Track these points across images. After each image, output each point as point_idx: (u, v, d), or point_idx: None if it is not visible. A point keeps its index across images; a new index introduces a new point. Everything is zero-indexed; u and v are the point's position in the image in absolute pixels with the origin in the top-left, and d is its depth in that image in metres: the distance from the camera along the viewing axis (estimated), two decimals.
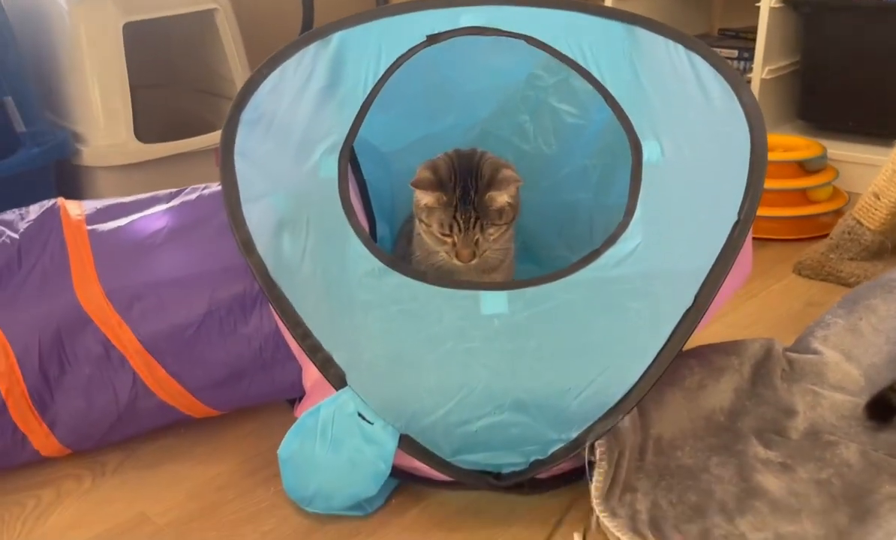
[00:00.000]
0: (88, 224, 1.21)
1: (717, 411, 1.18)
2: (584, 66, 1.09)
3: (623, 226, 1.04)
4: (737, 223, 1.04)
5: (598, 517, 1.01)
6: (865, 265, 1.69)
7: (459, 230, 1.13)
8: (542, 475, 1.07)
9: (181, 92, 2.19)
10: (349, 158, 1.10)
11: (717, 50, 2.47)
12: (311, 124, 1.10)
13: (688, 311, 1.02)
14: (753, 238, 1.82)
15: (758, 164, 1.06)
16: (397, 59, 1.10)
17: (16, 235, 1.18)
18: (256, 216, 1.08)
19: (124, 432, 1.21)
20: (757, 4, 2.16)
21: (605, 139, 1.36)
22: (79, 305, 1.14)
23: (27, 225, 1.19)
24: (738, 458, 1.11)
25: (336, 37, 1.12)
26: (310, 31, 1.17)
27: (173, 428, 1.25)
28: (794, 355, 1.27)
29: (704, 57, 1.09)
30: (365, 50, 1.11)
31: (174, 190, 1.29)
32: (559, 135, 1.46)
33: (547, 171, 1.47)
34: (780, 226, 1.91)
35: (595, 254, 1.04)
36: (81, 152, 1.83)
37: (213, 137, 1.89)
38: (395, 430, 1.03)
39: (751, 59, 2.24)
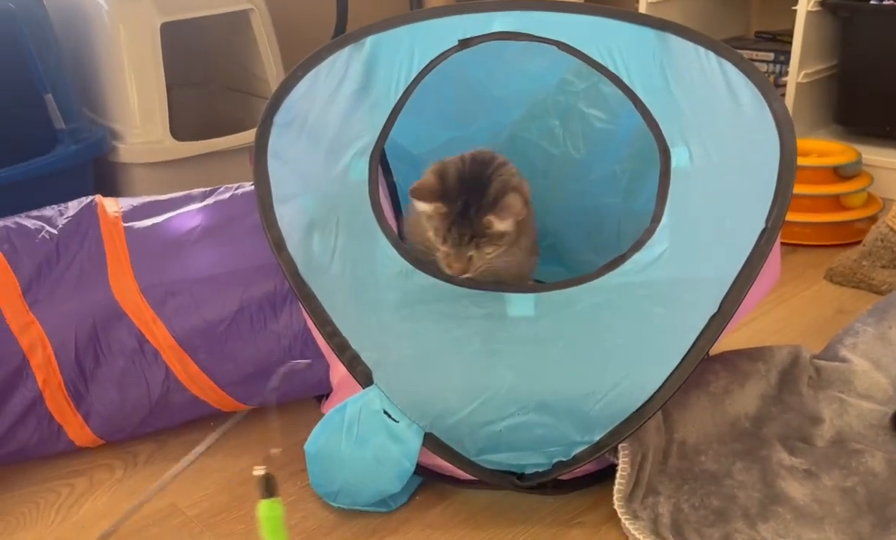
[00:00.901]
0: (125, 221, 1.23)
1: (743, 417, 1.18)
2: (613, 71, 1.09)
3: (650, 232, 1.04)
4: (764, 231, 1.03)
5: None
6: None
7: (453, 245, 1.08)
8: (565, 476, 1.07)
9: (216, 91, 2.22)
10: (379, 160, 1.11)
11: (754, 53, 2.47)
12: (343, 127, 1.11)
13: (713, 317, 1.02)
14: (784, 243, 1.84)
15: (787, 171, 1.05)
16: (429, 63, 1.11)
17: (55, 231, 1.21)
18: (288, 216, 1.09)
19: (156, 425, 1.23)
20: (794, 8, 2.15)
21: (635, 145, 1.36)
22: (114, 301, 1.17)
23: (66, 221, 1.22)
24: (762, 464, 1.11)
25: (369, 40, 1.13)
26: (343, 34, 1.18)
27: (203, 422, 1.28)
28: (821, 363, 1.26)
29: (735, 63, 1.08)
30: (397, 54, 1.12)
31: (208, 189, 1.31)
32: (588, 140, 1.46)
33: (576, 175, 1.47)
34: (813, 231, 1.89)
35: (621, 258, 1.04)
36: (118, 149, 1.86)
37: (247, 136, 1.91)
38: (420, 428, 1.04)
39: (787, 62, 2.22)
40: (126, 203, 1.28)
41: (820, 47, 2.21)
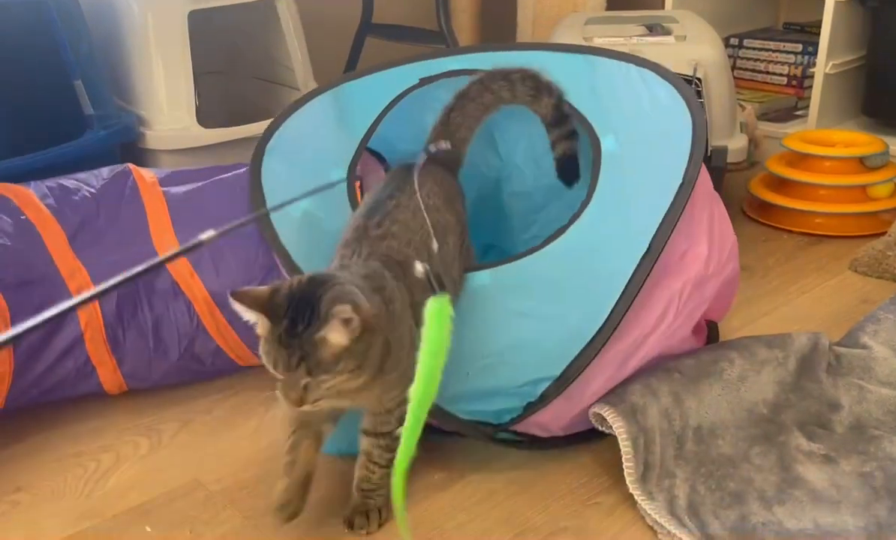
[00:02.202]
0: (162, 185, 1.33)
1: (760, 403, 1.18)
2: None
3: (585, 203, 1.18)
4: (681, 185, 1.16)
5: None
6: None
7: (284, 369, 0.92)
8: (542, 435, 1.14)
9: (241, 79, 2.25)
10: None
11: (782, 44, 2.46)
12: (323, 150, 1.32)
13: (643, 256, 1.12)
14: (809, 234, 1.84)
15: (698, 137, 1.20)
16: (395, 98, 1.33)
17: (93, 190, 1.30)
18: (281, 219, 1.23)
19: (179, 376, 1.31)
20: None
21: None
22: (156, 254, 1.23)
23: (103, 183, 1.33)
24: (780, 449, 1.11)
25: (344, 86, 1.39)
26: (321, 86, 1.41)
27: (226, 402, 1.31)
28: (841, 349, 1.25)
29: (652, 70, 1.29)
30: (368, 95, 1.36)
31: (235, 164, 1.41)
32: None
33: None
34: (839, 222, 1.88)
35: (562, 229, 1.17)
36: (145, 136, 1.88)
37: None
38: None
39: (815, 53, 2.21)
40: (159, 172, 1.38)
41: (848, 38, 2.19)
